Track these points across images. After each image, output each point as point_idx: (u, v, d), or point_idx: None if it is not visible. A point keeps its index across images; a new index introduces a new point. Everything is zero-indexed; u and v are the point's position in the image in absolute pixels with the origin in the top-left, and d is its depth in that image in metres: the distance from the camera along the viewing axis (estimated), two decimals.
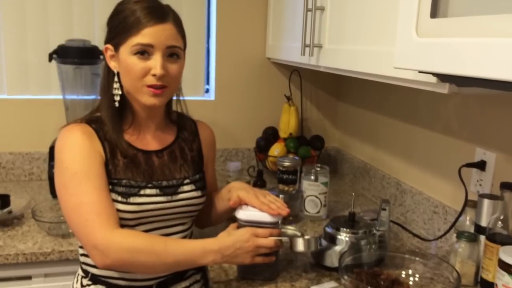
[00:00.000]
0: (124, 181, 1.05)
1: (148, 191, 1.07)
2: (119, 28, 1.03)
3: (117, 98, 1.07)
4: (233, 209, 1.18)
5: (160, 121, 1.15)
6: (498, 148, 1.21)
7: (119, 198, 1.03)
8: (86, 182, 1.00)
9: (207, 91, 2.12)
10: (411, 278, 1.11)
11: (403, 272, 1.12)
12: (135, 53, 1.01)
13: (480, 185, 1.25)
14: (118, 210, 1.03)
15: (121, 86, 1.07)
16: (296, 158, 1.59)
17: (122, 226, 1.03)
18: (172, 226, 1.12)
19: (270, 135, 2.01)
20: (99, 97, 1.12)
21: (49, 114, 1.86)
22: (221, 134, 2.07)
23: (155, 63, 1.01)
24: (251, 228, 1.06)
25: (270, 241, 1.06)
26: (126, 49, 1.02)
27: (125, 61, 1.03)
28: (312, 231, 1.46)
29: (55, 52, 1.66)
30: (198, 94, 2.08)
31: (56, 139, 1.07)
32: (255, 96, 2.08)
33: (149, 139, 1.12)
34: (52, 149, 1.68)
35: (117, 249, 0.97)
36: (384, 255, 1.15)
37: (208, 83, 2.12)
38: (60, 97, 1.78)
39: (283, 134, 1.98)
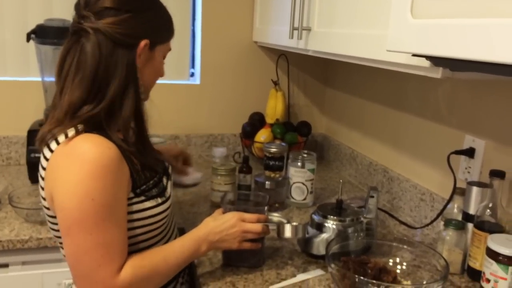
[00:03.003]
0: (151, 182, 0.97)
1: (164, 180, 1.02)
2: (165, 26, 1.01)
3: (143, 96, 0.98)
4: None
5: None
6: (487, 135, 1.19)
7: (159, 200, 0.96)
8: (110, 218, 0.85)
9: (192, 75, 2.07)
10: (398, 266, 1.10)
11: (390, 260, 1.11)
12: (163, 56, 1.02)
13: (469, 172, 1.24)
14: (159, 214, 0.96)
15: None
16: (283, 144, 1.56)
17: (158, 229, 0.98)
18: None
19: (256, 121, 1.97)
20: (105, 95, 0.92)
21: (28, 96, 1.79)
22: (206, 119, 2.03)
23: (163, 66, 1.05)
24: (238, 213, 1.04)
25: (257, 226, 1.04)
26: (161, 50, 1.00)
27: (157, 61, 1.00)
28: (299, 218, 1.44)
29: (34, 32, 1.59)
30: (183, 78, 2.03)
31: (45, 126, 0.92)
32: (242, 80, 2.04)
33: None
34: (31, 133, 1.62)
35: None
36: (371, 243, 1.13)
37: (193, 66, 2.07)
38: (39, 79, 1.71)
39: (269, 119, 1.95)
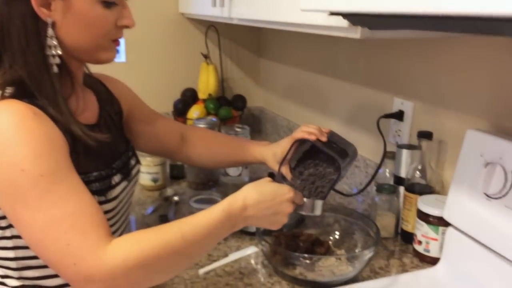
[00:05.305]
0: (94, 173, 0.80)
1: (116, 179, 0.84)
2: None
3: (56, 60, 0.76)
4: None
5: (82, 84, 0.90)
6: (415, 96, 1.18)
7: (96, 198, 0.77)
8: (57, 186, 0.68)
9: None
10: (332, 236, 1.07)
11: (324, 231, 1.08)
12: (102, 1, 0.77)
13: (399, 135, 1.23)
14: None
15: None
16: (214, 119, 1.50)
17: None
18: (127, 217, 0.94)
19: (188, 97, 1.88)
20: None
21: None
22: None
23: (127, 12, 0.81)
24: (293, 190, 0.83)
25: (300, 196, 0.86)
26: None
27: (85, 11, 0.76)
28: None
29: None
30: None
31: None
32: (170, 55, 1.93)
33: (83, 110, 0.85)
34: None
35: (124, 271, 0.67)
36: (304, 215, 1.10)
37: None
38: None
39: (202, 95, 1.87)
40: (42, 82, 0.75)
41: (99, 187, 0.80)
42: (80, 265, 0.66)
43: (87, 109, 0.87)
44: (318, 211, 0.87)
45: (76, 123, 0.77)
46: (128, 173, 0.90)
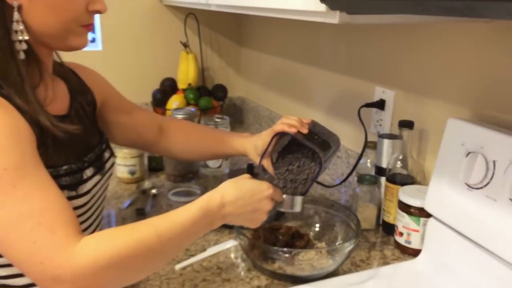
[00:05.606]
0: (64, 167, 0.76)
1: (88, 173, 0.81)
2: None
3: (23, 46, 0.72)
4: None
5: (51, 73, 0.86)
6: (396, 85, 1.16)
7: (66, 193, 0.74)
8: (22, 181, 0.65)
9: (93, 40, 1.88)
10: (312, 229, 1.05)
11: (305, 223, 1.06)
12: None
13: (380, 125, 1.21)
14: None
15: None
16: (193, 109, 1.46)
17: None
18: (101, 212, 0.90)
19: (167, 87, 1.84)
20: None
21: None
22: None
23: None
24: (272, 187, 0.80)
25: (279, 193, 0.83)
26: None
27: None
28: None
29: None
30: None
31: None
32: (149, 44, 1.87)
33: (52, 100, 0.81)
34: None
35: (94, 270, 0.64)
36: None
37: (93, 31, 1.88)
38: None
39: (181, 84, 1.82)
40: (7, 70, 0.71)
41: (69, 181, 0.76)
42: (47, 264, 0.63)
43: (57, 99, 0.82)
44: (297, 208, 0.84)
45: (44, 113, 0.73)
46: (101, 166, 0.86)
